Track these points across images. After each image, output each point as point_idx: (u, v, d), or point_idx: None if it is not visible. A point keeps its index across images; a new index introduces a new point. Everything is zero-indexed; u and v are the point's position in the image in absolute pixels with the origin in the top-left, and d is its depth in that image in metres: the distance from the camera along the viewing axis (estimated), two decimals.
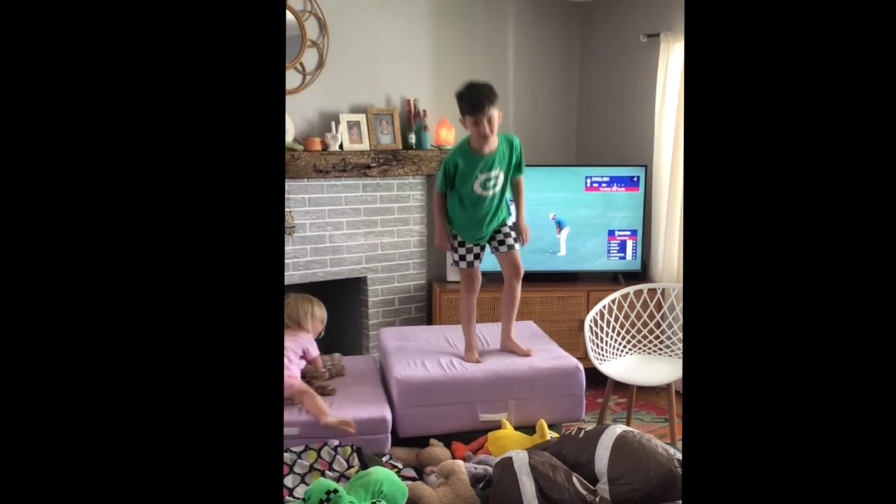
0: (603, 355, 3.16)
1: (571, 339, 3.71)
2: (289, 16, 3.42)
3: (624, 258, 3.93)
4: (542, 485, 2.03)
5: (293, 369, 2.61)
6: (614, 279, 3.99)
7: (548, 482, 2.03)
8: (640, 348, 3.33)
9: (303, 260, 3.58)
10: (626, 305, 3.30)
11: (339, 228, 3.67)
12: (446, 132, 3.81)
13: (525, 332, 3.16)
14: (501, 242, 2.85)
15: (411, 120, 3.80)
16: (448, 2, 3.93)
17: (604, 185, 3.86)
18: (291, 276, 3.53)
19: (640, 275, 3.96)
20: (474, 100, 2.59)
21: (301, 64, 3.52)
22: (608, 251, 3.91)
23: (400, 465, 2.39)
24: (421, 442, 2.57)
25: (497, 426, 2.60)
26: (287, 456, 2.30)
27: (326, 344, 3.10)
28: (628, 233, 3.90)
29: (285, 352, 2.56)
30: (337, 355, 3.01)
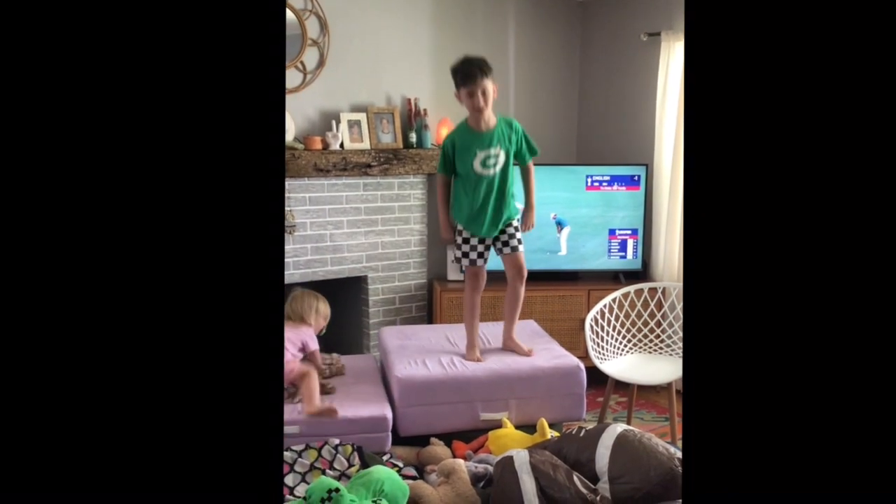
0: (603, 354, 3.16)
1: (572, 339, 3.71)
2: (289, 14, 3.42)
3: (625, 257, 3.92)
4: (543, 484, 2.03)
5: (291, 357, 2.61)
6: (615, 278, 3.98)
7: (548, 481, 2.03)
8: (640, 347, 3.33)
9: (303, 259, 3.58)
10: (626, 305, 3.30)
11: (340, 227, 3.67)
12: (447, 131, 3.79)
13: (526, 331, 3.16)
14: (506, 244, 2.85)
15: (412, 119, 3.80)
16: (449, 1, 3.93)
17: (604, 184, 3.86)
18: (292, 274, 3.53)
19: (641, 274, 3.96)
20: (468, 70, 2.62)
21: (302, 63, 3.52)
22: (609, 250, 3.91)
23: (401, 464, 2.39)
24: (422, 441, 2.57)
25: (498, 425, 2.60)
26: (288, 455, 2.30)
27: (327, 343, 3.10)
28: (629, 232, 3.90)
29: (284, 342, 2.56)
30: (335, 355, 3.01)
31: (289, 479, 2.25)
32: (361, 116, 3.64)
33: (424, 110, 3.80)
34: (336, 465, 2.32)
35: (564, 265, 3.92)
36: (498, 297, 3.36)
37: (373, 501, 1.95)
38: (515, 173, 2.85)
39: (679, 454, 2.11)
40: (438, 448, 2.49)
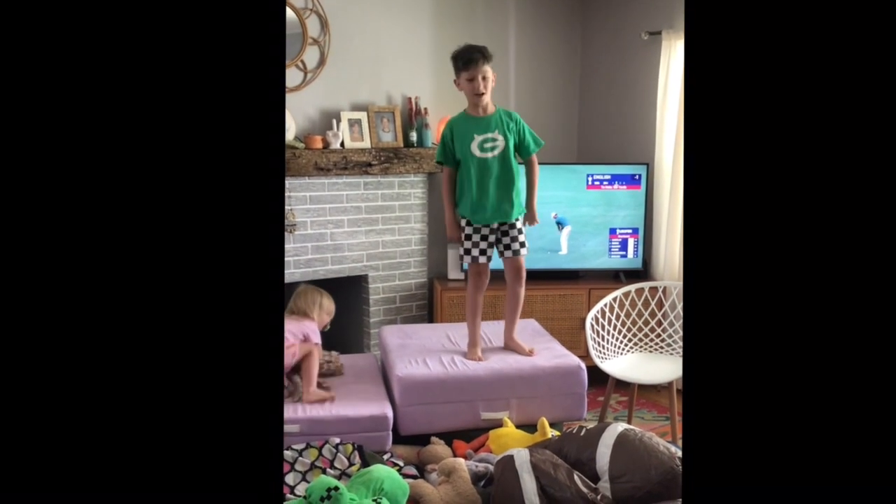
0: (604, 353, 3.16)
1: (573, 338, 3.71)
2: (290, 13, 3.42)
3: (625, 256, 3.92)
4: (544, 483, 2.03)
5: (294, 341, 2.62)
6: (615, 277, 3.98)
7: (549, 480, 2.03)
8: (641, 346, 3.33)
9: (304, 258, 3.58)
10: (627, 304, 3.30)
11: (341, 226, 3.67)
12: None
13: (527, 330, 3.16)
14: (508, 247, 2.86)
15: (412, 118, 3.79)
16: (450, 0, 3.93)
17: (605, 183, 3.86)
18: (292, 273, 3.53)
19: (642, 273, 3.96)
20: (469, 55, 2.66)
21: (302, 61, 3.52)
22: (609, 249, 3.91)
23: (401, 463, 2.39)
24: (422, 440, 2.57)
25: (498, 424, 2.60)
26: (288, 454, 2.30)
27: (328, 342, 3.10)
28: (630, 231, 3.89)
29: (285, 332, 2.57)
30: (335, 353, 3.01)
31: (289, 478, 2.25)
32: (362, 115, 3.64)
33: (425, 109, 3.80)
34: (337, 464, 2.32)
35: (565, 264, 3.92)
36: (498, 296, 3.36)
37: (373, 500, 1.95)
38: (520, 171, 2.84)
39: (680, 453, 2.11)
40: (439, 447, 2.49)
